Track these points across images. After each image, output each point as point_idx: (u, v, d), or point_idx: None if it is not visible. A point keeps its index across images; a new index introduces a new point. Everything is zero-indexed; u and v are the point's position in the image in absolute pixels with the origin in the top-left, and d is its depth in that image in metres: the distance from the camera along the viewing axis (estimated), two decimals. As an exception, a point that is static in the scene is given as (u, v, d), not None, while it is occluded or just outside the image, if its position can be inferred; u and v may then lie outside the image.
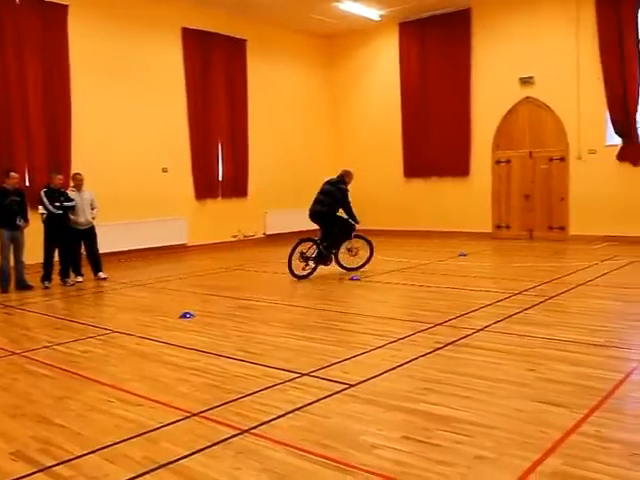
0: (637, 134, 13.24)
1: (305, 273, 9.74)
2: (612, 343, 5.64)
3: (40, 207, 9.83)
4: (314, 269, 9.87)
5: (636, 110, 13.15)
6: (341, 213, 10.18)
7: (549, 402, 4.17)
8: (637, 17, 13.01)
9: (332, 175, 10.69)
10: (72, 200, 10.09)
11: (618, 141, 13.49)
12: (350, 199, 10.26)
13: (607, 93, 13.43)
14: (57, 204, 9.83)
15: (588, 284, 8.62)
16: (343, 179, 10.29)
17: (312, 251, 9.83)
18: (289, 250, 9.65)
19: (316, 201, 10.11)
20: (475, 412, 4.03)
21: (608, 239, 13.36)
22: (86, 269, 10.52)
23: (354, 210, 10.19)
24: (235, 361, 5.39)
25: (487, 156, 15.28)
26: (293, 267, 9.55)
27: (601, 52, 13.41)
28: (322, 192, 10.14)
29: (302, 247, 9.72)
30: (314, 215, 10.09)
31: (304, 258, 9.69)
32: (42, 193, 9.81)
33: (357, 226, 10.21)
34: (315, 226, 10.41)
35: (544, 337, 5.82)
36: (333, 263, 10.17)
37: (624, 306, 7.40)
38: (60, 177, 10.12)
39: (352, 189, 16.92)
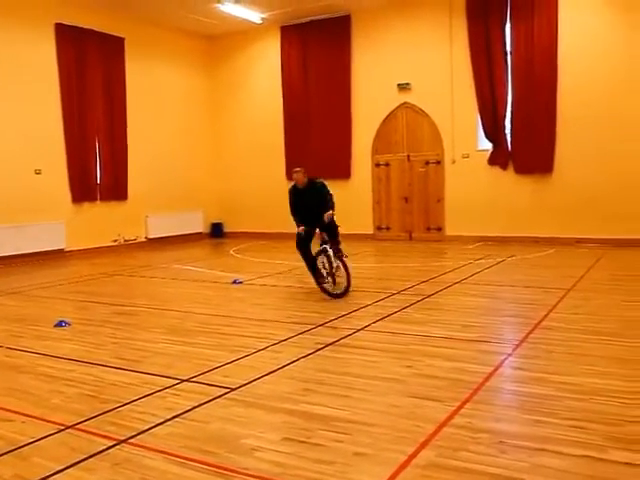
0: (506, 139, 14.00)
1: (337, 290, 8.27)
2: (483, 338, 5.94)
3: None
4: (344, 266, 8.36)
5: (504, 116, 13.92)
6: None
7: (424, 397, 4.33)
8: (504, 29, 13.77)
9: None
10: None
11: (489, 146, 14.21)
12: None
13: (478, 100, 14.13)
14: None
15: (462, 282, 9.02)
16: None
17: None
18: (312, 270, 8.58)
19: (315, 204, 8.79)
20: (354, 410, 4.13)
21: (481, 239, 14.06)
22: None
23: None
24: (112, 369, 5.23)
25: (367, 159, 15.66)
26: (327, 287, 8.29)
27: (472, 61, 14.10)
28: (314, 191, 8.89)
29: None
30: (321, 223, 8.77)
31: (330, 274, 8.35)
32: None
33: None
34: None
35: (420, 334, 6.04)
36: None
37: (495, 303, 7.83)
38: None
39: (234, 191, 16.84)
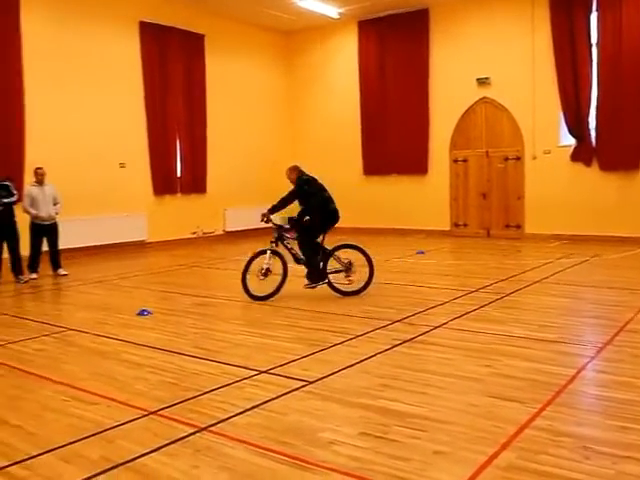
0: (590, 135, 13.54)
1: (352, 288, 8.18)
2: (565, 339, 5.77)
3: None
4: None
5: (589, 111, 13.45)
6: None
7: (503, 397, 4.25)
8: (589, 20, 13.30)
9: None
10: (14, 195, 9.85)
11: (572, 141, 13.78)
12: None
13: (560, 94, 13.71)
14: None
15: (543, 281, 8.79)
16: None
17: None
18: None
19: (332, 200, 8.51)
20: (431, 407, 4.09)
21: (563, 237, 13.66)
22: (44, 265, 10.32)
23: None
24: (192, 358, 5.36)
25: (445, 155, 15.46)
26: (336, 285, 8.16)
27: (555, 54, 13.69)
28: (323, 189, 8.58)
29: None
30: (338, 215, 8.55)
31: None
32: None
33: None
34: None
35: (499, 333, 5.92)
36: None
37: (577, 303, 7.59)
38: None
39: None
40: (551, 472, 3.19)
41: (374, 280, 8.14)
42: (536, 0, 13.86)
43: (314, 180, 8.52)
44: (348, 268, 8.10)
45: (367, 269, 8.05)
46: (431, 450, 3.47)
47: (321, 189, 8.52)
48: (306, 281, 8.21)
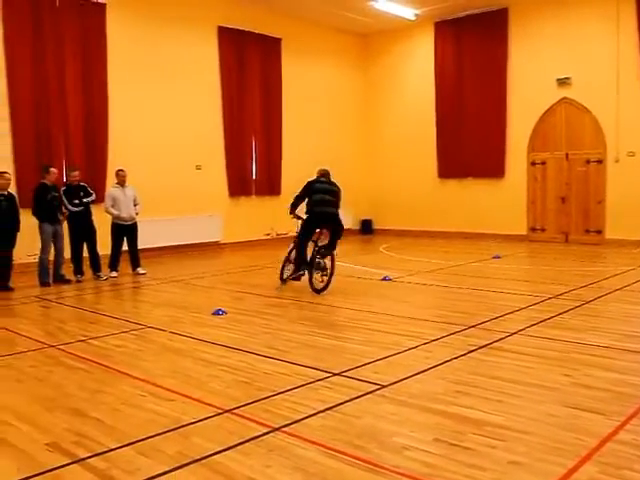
0: (678, 137, 12.97)
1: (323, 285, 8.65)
2: (649, 350, 5.53)
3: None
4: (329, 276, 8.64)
5: (677, 112, 12.89)
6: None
7: (583, 408, 4.10)
8: (680, 17, 12.75)
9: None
10: (91, 195, 10.19)
11: (658, 144, 13.23)
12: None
13: (647, 95, 13.19)
14: (76, 201, 9.94)
15: (625, 289, 8.46)
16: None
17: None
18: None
19: (327, 202, 8.73)
20: (508, 416, 3.99)
21: (646, 243, 13.13)
22: (124, 264, 10.66)
23: None
24: (264, 358, 5.41)
25: (522, 157, 15.11)
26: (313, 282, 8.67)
27: (642, 53, 13.18)
28: (328, 192, 8.84)
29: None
30: (330, 217, 8.74)
31: (320, 268, 8.66)
32: (61, 191, 9.94)
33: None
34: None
35: (579, 342, 5.73)
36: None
37: (662, 312, 7.26)
38: (75, 174, 10.18)
39: (386, 188, 16.95)
40: (636, 488, 3.06)
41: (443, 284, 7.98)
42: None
43: (320, 182, 8.97)
44: (324, 269, 8.63)
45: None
46: (507, 460, 3.37)
47: (320, 191, 8.81)
48: None
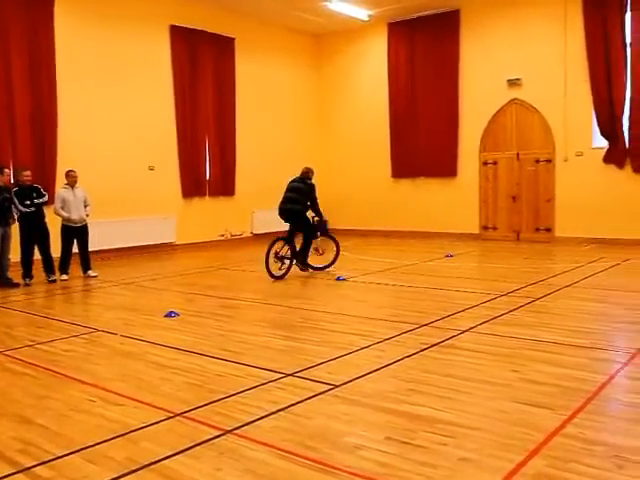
0: (623, 137, 13.30)
1: (281, 273, 9.71)
2: (596, 345, 5.65)
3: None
4: (288, 268, 9.86)
5: (622, 113, 13.22)
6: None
7: (532, 403, 4.17)
8: (624, 20, 13.07)
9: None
10: (44, 196, 9.94)
11: (604, 143, 13.55)
12: (317, 195, 10.29)
13: (593, 95, 13.50)
14: (27, 202, 9.69)
15: (574, 286, 8.65)
16: (308, 175, 10.28)
17: (286, 251, 9.85)
18: (265, 251, 9.66)
19: (285, 199, 10.02)
20: (459, 413, 4.03)
21: (594, 241, 13.44)
22: (74, 267, 10.44)
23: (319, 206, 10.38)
24: (218, 360, 5.36)
25: (474, 157, 15.32)
26: (270, 267, 9.56)
27: (588, 55, 13.49)
28: (290, 190, 10.06)
29: (276, 247, 9.72)
30: (284, 213, 10.02)
31: (279, 258, 9.72)
32: (12, 192, 9.68)
33: (327, 224, 10.73)
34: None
35: (528, 338, 5.83)
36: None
37: (608, 308, 7.44)
38: (27, 173, 9.90)
39: (340, 188, 16.98)
40: (582, 481, 3.12)
41: (397, 283, 8.06)
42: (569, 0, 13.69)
43: (292, 182, 10.28)
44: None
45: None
46: (458, 457, 3.41)
47: (287, 190, 10.18)
48: None
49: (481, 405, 4.18)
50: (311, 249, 10.27)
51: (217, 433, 3.78)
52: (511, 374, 4.79)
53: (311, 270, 10.29)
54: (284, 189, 10.16)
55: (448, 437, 3.66)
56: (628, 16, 13.05)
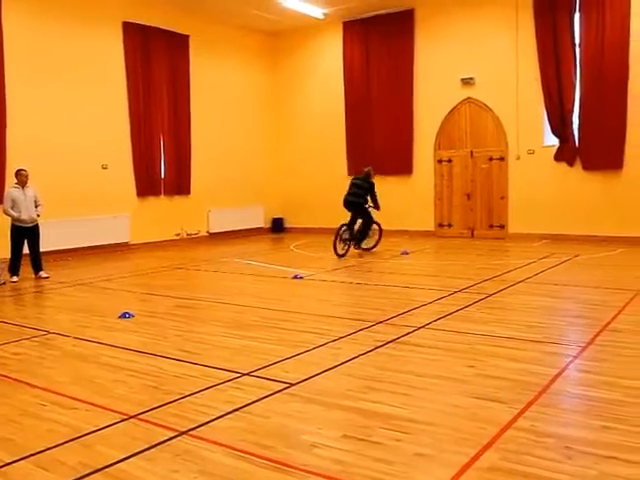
0: (573, 135, 13.60)
1: (342, 252, 11.86)
2: (548, 339, 5.77)
3: None
4: (348, 249, 12.00)
5: (572, 112, 13.52)
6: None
7: (487, 398, 4.23)
8: (572, 20, 13.36)
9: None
10: None
11: (555, 142, 13.84)
12: (376, 190, 12.35)
13: (544, 95, 13.77)
14: None
15: (526, 281, 8.81)
16: (369, 175, 12.42)
17: (347, 234, 11.97)
18: (333, 235, 11.86)
19: (349, 193, 12.23)
20: (414, 409, 4.07)
21: (546, 237, 13.73)
22: (25, 268, 10.22)
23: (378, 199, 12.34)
24: (174, 361, 5.30)
25: (429, 155, 15.48)
26: (337, 249, 11.73)
27: (539, 55, 13.75)
28: (353, 186, 12.30)
29: (342, 232, 11.87)
30: (348, 204, 12.19)
31: (343, 240, 11.87)
32: None
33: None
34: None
35: (483, 334, 5.92)
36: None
37: (560, 303, 7.61)
38: None
39: (296, 187, 17.02)
40: (533, 473, 3.18)
41: (353, 281, 8.11)
42: (520, 1, 13.92)
43: (354, 179, 12.67)
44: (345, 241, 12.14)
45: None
46: (413, 452, 3.44)
47: (350, 186, 12.46)
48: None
49: (436, 400, 4.22)
50: (369, 234, 12.29)
51: (172, 434, 3.74)
52: (466, 369, 4.86)
53: (362, 250, 12.32)
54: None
55: (404, 433, 3.69)
56: (577, 17, 13.35)
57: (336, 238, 11.70)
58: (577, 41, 13.40)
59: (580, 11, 13.28)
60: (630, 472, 3.16)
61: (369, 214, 12.23)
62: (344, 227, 11.94)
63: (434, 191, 15.47)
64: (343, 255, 11.80)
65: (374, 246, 12.55)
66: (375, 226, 12.51)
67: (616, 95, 12.93)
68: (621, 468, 3.20)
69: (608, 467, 3.22)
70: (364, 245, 12.36)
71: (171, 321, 6.92)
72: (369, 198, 12.23)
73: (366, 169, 12.58)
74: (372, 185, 12.29)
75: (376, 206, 12.24)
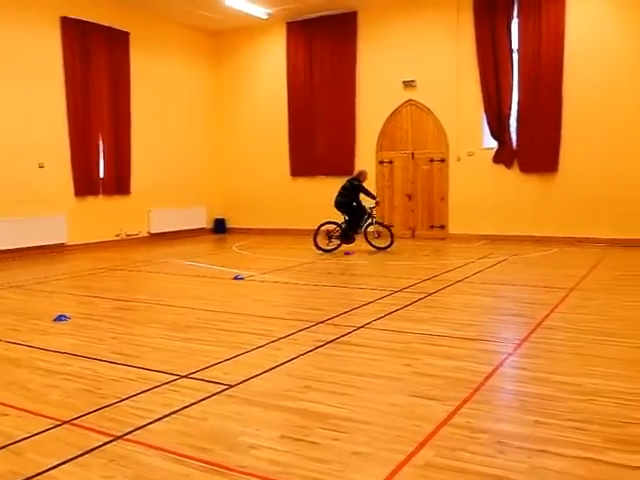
0: (511, 138, 13.94)
1: (330, 248, 12.38)
2: (485, 337, 5.90)
3: None
4: (339, 245, 12.50)
5: (510, 115, 13.85)
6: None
7: (423, 396, 4.30)
8: (510, 26, 13.70)
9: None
10: None
11: (494, 144, 14.15)
12: (366, 187, 12.77)
13: (483, 98, 14.07)
14: None
15: (465, 281, 8.98)
16: (357, 177, 12.83)
17: (336, 232, 12.47)
18: (314, 230, 12.54)
19: (338, 194, 12.78)
20: (352, 408, 4.10)
21: (485, 237, 14.03)
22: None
23: (371, 191, 12.95)
24: (111, 364, 5.20)
25: (371, 156, 15.62)
26: (318, 242, 12.32)
27: (478, 59, 14.05)
28: (342, 187, 12.83)
29: (327, 227, 12.51)
30: (336, 204, 12.70)
31: (328, 236, 12.45)
32: None
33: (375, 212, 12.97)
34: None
35: (421, 332, 6.00)
36: (362, 241, 12.81)
37: (497, 301, 7.78)
38: None
39: (238, 187, 16.89)
40: (467, 468, 3.24)
41: (294, 281, 8.12)
42: (461, 5, 14.17)
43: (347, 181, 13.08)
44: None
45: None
46: (350, 451, 3.46)
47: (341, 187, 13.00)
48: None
49: (374, 399, 4.26)
50: (361, 232, 12.68)
51: (107, 439, 3.67)
52: (403, 368, 4.92)
53: (372, 247, 12.70)
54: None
55: (341, 432, 3.71)
56: (515, 23, 13.69)
57: (317, 233, 12.42)
58: (515, 46, 13.74)
59: (518, 17, 13.62)
60: (561, 465, 3.26)
61: (355, 213, 12.60)
62: (329, 224, 12.60)
63: (376, 192, 15.56)
64: (328, 251, 12.34)
65: (387, 247, 12.63)
66: (383, 228, 13.02)
67: (552, 100, 13.32)
68: (552, 461, 3.30)
69: (539, 460, 3.31)
70: (376, 244, 12.70)
71: (109, 323, 6.79)
72: (361, 197, 12.75)
73: (356, 172, 13.24)
74: (356, 186, 12.64)
75: (371, 197, 12.75)
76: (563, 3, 13.11)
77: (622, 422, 3.79)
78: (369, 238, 12.76)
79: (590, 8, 13.02)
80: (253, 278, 9.67)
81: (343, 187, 12.83)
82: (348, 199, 12.67)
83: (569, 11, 13.09)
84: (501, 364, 5.03)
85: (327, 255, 12.19)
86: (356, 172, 13.27)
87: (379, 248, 12.63)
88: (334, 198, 12.73)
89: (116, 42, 14.69)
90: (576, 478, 3.14)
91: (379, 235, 12.89)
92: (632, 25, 12.66)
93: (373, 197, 12.78)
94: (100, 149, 14.47)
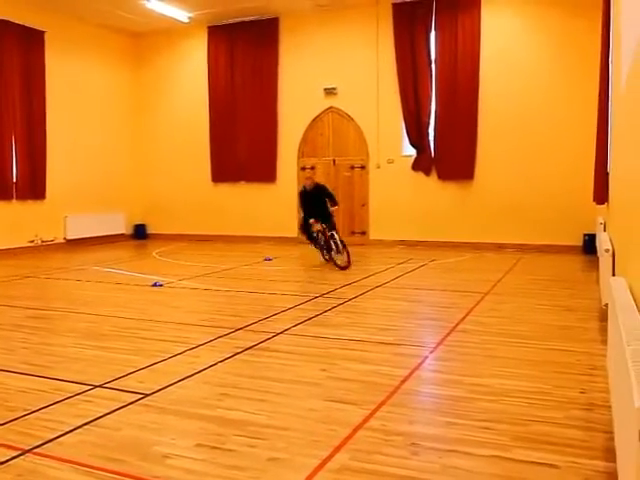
0: (429, 146, 14.29)
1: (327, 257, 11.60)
2: (401, 341, 6.02)
3: None
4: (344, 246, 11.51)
5: (428, 123, 14.19)
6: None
7: (339, 400, 4.35)
8: (429, 38, 14.07)
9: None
10: None
11: (413, 152, 14.46)
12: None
13: (403, 107, 14.36)
14: None
15: (384, 286, 9.13)
16: (317, 184, 12.10)
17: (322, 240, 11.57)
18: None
19: (313, 206, 11.72)
20: (269, 414, 4.11)
21: (404, 243, 14.32)
22: None
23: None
24: (21, 375, 5.02)
25: (293, 162, 15.68)
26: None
27: (398, 69, 14.34)
28: (312, 198, 11.79)
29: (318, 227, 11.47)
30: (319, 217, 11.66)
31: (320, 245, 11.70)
32: None
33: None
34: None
35: (338, 338, 6.08)
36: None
37: (414, 306, 7.95)
38: None
39: (158, 192, 16.68)
40: (381, 470, 3.31)
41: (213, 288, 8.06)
42: (381, 15, 14.42)
43: None
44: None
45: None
46: (267, 457, 3.47)
47: None
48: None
49: (292, 405, 4.29)
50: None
51: (15, 454, 3.54)
52: (320, 373, 4.97)
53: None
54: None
55: (258, 439, 3.72)
56: (433, 35, 14.06)
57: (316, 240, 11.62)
58: (433, 57, 14.11)
59: (435, 29, 14.00)
60: (470, 464, 3.37)
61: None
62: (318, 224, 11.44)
63: (297, 198, 15.64)
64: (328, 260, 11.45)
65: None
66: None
67: (468, 111, 13.74)
68: (462, 461, 3.41)
69: (450, 460, 3.41)
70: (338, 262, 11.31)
71: (19, 333, 6.55)
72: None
73: (309, 183, 12.05)
74: (322, 187, 12.01)
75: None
76: (479, 17, 13.56)
77: (528, 420, 3.95)
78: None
79: (503, 22, 13.52)
80: (172, 285, 9.53)
81: (313, 197, 11.71)
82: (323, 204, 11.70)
83: (484, 25, 13.56)
84: (417, 367, 5.15)
85: (247, 260, 12.14)
86: (309, 183, 12.03)
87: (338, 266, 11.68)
88: (307, 214, 11.63)
89: (31, 41, 14.20)
90: (485, 476, 3.26)
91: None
92: (542, 41, 13.23)
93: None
94: (13, 152, 13.94)
